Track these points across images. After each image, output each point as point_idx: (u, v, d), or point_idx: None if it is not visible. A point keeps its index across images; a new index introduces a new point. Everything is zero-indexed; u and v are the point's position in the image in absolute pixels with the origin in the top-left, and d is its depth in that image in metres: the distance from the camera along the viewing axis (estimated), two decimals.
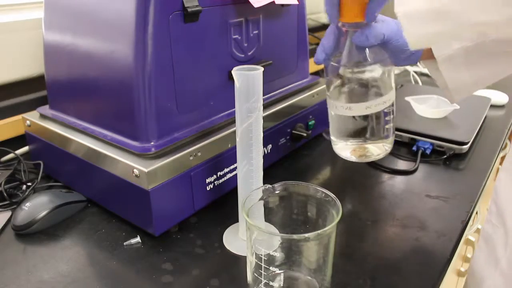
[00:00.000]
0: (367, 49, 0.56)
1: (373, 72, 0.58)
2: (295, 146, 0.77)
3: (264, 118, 0.67)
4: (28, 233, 0.57)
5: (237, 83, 0.48)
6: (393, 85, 0.59)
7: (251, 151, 0.51)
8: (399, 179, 0.72)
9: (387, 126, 0.60)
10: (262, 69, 0.48)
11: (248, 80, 0.48)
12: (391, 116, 0.59)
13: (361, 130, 0.59)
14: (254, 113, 0.49)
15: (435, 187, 0.68)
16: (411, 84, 1.20)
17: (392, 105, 0.58)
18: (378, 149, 0.61)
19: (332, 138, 0.62)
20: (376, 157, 0.60)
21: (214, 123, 0.61)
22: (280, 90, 0.74)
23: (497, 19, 0.43)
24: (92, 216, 0.61)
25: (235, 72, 0.48)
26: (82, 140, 0.59)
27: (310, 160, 0.77)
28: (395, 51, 0.60)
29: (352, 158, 0.60)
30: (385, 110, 0.57)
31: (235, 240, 0.56)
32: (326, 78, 0.60)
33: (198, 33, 0.57)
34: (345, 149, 0.61)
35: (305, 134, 0.75)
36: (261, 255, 0.43)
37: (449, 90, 0.59)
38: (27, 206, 0.58)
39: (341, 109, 0.58)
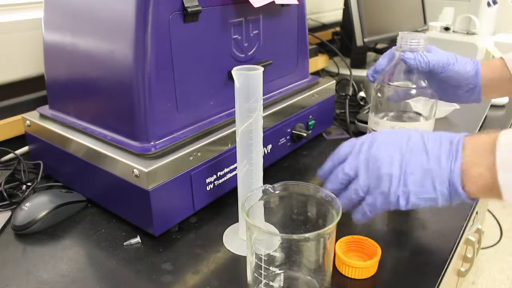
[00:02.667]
0: (415, 76, 0.61)
1: (413, 97, 0.62)
2: (295, 146, 0.77)
3: (264, 118, 0.67)
4: (28, 233, 0.57)
5: (237, 83, 0.48)
6: (432, 119, 0.62)
7: (251, 151, 0.51)
8: None
9: None
10: (262, 69, 0.48)
11: (248, 80, 0.48)
12: None
13: None
14: (254, 113, 0.49)
15: None
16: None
17: None
18: None
19: None
20: None
21: (214, 123, 0.61)
22: (280, 90, 0.74)
23: None
24: (92, 216, 0.61)
25: (235, 72, 0.48)
26: (82, 140, 0.59)
27: (310, 160, 0.77)
28: (442, 84, 0.63)
29: None
30: None
31: (235, 240, 0.56)
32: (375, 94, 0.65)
33: (198, 33, 0.57)
34: None
35: (305, 134, 0.75)
36: (261, 255, 0.43)
37: None
38: (27, 206, 0.58)
39: (371, 122, 0.63)
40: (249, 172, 0.51)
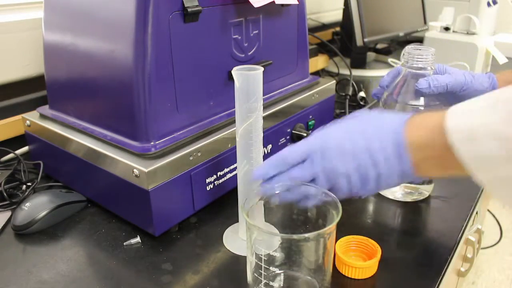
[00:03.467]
0: (426, 96, 0.59)
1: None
2: None
3: (264, 118, 0.67)
4: (28, 233, 0.57)
5: (237, 83, 0.48)
6: None
7: (251, 151, 0.51)
8: None
9: None
10: (262, 69, 0.48)
11: (248, 80, 0.48)
12: None
13: None
14: (254, 113, 0.49)
15: (435, 187, 0.68)
16: None
17: None
18: (426, 191, 0.66)
19: None
20: (417, 197, 0.65)
21: (214, 123, 0.61)
22: (280, 90, 0.74)
23: None
24: (92, 216, 0.61)
25: (235, 72, 0.48)
26: (82, 140, 0.59)
27: None
28: (457, 100, 0.61)
29: (398, 194, 0.65)
30: None
31: (235, 240, 0.56)
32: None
33: (198, 33, 0.57)
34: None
35: (305, 134, 0.75)
36: (261, 255, 0.43)
37: None
38: (27, 206, 0.58)
39: None
40: (249, 172, 0.51)
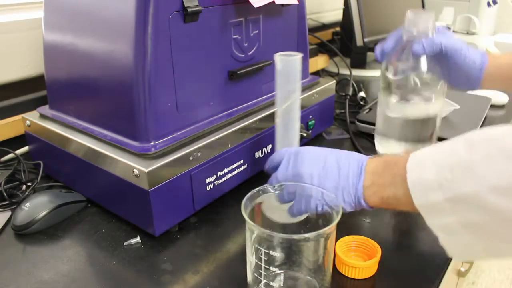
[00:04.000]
0: (424, 61, 0.60)
1: (421, 81, 0.61)
2: None
3: (264, 118, 0.67)
4: (28, 233, 0.57)
5: (279, 67, 0.54)
6: (441, 99, 0.62)
7: (289, 130, 0.57)
8: None
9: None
10: (302, 54, 0.54)
11: (288, 64, 0.54)
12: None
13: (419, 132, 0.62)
14: (293, 94, 0.55)
15: None
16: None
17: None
18: None
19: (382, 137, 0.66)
20: None
21: (214, 123, 0.61)
22: None
23: None
24: (92, 216, 0.61)
25: (277, 57, 0.54)
26: (82, 140, 0.59)
27: None
28: (454, 68, 0.62)
29: None
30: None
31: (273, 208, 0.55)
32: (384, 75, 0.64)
33: (198, 33, 0.57)
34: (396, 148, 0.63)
35: (305, 134, 0.74)
36: (261, 255, 0.43)
37: None
38: (27, 206, 0.58)
39: (382, 104, 0.63)
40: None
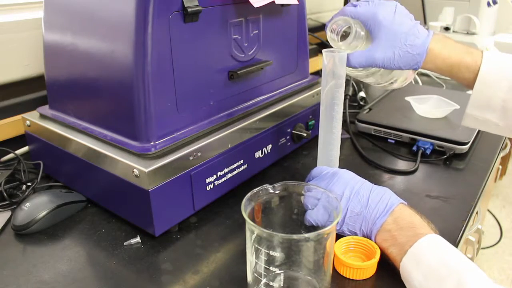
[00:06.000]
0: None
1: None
2: (295, 146, 0.77)
3: (264, 118, 0.67)
4: (28, 233, 0.57)
5: (325, 62, 0.57)
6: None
7: (334, 121, 0.60)
8: (399, 179, 0.72)
9: None
10: (348, 51, 0.56)
11: (334, 59, 0.56)
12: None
13: None
14: (339, 88, 0.58)
15: (435, 187, 0.68)
16: (411, 84, 1.20)
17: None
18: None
19: None
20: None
21: (214, 123, 0.61)
22: (280, 90, 0.74)
23: None
24: (92, 216, 0.61)
25: (325, 52, 0.56)
26: (82, 140, 0.59)
27: (310, 160, 0.77)
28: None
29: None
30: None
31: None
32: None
33: (198, 33, 0.57)
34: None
35: (305, 134, 0.75)
36: (261, 255, 0.43)
37: None
38: (27, 206, 0.58)
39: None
40: (329, 139, 0.61)
